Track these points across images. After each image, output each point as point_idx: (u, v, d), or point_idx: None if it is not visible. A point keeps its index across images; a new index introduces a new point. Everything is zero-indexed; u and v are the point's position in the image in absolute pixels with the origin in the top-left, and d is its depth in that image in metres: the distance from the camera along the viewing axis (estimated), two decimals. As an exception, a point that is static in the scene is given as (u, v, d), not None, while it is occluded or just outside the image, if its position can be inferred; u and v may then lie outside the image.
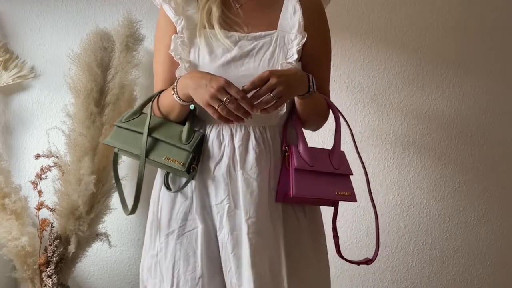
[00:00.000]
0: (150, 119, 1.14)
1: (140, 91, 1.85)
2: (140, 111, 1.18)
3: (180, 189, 1.14)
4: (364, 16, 1.90)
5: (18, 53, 1.89)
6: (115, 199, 1.79)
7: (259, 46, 1.14)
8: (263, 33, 1.15)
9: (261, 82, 1.03)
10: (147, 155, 1.12)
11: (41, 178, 1.71)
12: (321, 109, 1.20)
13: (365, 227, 1.98)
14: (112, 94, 1.68)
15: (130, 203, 2.03)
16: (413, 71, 1.92)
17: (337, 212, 1.24)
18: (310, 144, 1.17)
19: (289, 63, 1.12)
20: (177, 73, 1.14)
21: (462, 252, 2.01)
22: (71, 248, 1.65)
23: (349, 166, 1.22)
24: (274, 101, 1.03)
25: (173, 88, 1.10)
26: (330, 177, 1.16)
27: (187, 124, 1.14)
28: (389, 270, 2.01)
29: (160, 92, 1.17)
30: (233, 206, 1.11)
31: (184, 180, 1.15)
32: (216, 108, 1.02)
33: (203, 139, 1.14)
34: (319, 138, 1.91)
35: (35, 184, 1.71)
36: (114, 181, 1.74)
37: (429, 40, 1.91)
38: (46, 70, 1.91)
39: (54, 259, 1.66)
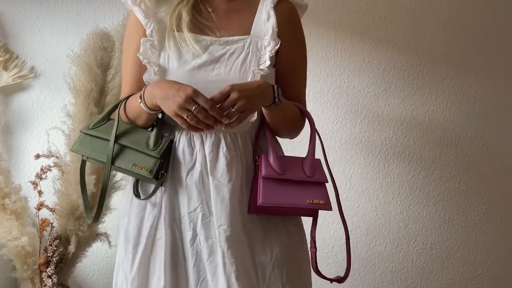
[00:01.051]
0: (117, 126, 1.11)
1: (140, 91, 1.85)
2: (107, 117, 1.15)
3: (149, 196, 1.11)
4: (364, 16, 1.90)
5: (18, 53, 1.89)
6: (115, 199, 1.79)
7: (231, 51, 1.11)
8: (235, 37, 1.12)
9: (222, 97, 1.01)
10: (113, 162, 1.10)
11: (41, 178, 1.71)
12: (291, 118, 1.16)
13: (365, 227, 1.98)
14: (112, 94, 1.68)
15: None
16: (413, 71, 1.92)
17: (316, 223, 1.19)
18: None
19: (261, 69, 1.10)
20: (145, 78, 1.11)
21: (462, 252, 2.01)
22: (71, 248, 1.65)
23: (325, 174, 1.16)
24: (237, 116, 1.01)
25: (140, 97, 1.07)
26: (303, 186, 1.12)
27: (155, 130, 1.11)
28: (389, 270, 2.01)
29: (127, 98, 1.14)
30: (208, 214, 1.09)
31: (153, 187, 1.12)
32: (185, 118, 1.00)
33: (172, 145, 1.12)
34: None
35: (35, 184, 1.71)
36: (113, 181, 1.76)
37: (429, 40, 1.91)
38: (46, 70, 1.91)
39: (54, 259, 1.66)
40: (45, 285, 1.65)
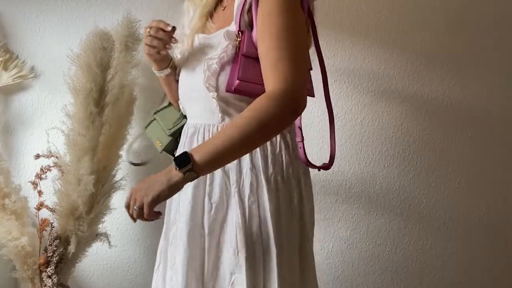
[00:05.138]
0: (165, 105, 1.42)
1: (140, 91, 1.85)
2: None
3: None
4: (364, 16, 1.90)
5: (18, 53, 1.89)
6: (115, 199, 1.79)
7: (208, 44, 1.18)
8: (219, 31, 1.17)
9: (127, 201, 1.08)
10: (148, 132, 1.46)
11: (41, 178, 1.71)
12: (240, 140, 1.00)
13: (365, 227, 1.98)
14: (112, 94, 1.68)
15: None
16: (413, 71, 1.92)
17: None
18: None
19: (209, 58, 1.13)
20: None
21: (462, 252, 2.01)
22: (71, 248, 1.65)
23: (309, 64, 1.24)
24: (137, 211, 1.05)
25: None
26: None
27: (180, 112, 1.37)
28: (389, 270, 2.01)
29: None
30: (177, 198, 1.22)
31: None
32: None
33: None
34: (319, 138, 1.91)
35: (35, 184, 1.71)
36: (113, 181, 1.76)
37: (429, 40, 1.91)
38: (46, 70, 1.91)
39: (54, 259, 1.66)
40: (45, 285, 1.65)
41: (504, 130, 1.96)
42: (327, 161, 1.27)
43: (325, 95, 1.29)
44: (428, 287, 2.03)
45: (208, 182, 1.16)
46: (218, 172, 1.14)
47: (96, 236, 1.75)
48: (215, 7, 1.25)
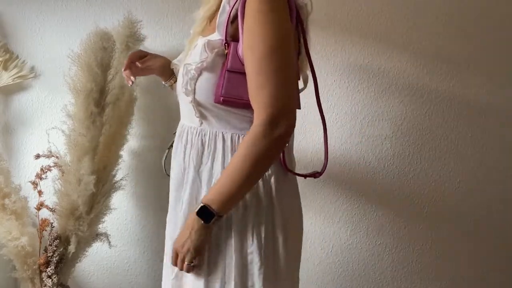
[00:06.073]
0: None
1: (140, 91, 1.85)
2: None
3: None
4: (364, 16, 1.90)
5: (18, 53, 1.89)
6: (115, 199, 1.79)
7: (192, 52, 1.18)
8: (201, 39, 1.16)
9: (175, 259, 1.14)
10: None
11: (41, 178, 1.71)
12: (243, 176, 1.04)
13: (365, 227, 1.98)
14: (112, 94, 1.68)
15: (128, 204, 2.04)
16: (413, 71, 1.92)
17: None
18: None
19: (189, 64, 1.13)
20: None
21: (462, 252, 2.01)
22: (71, 248, 1.65)
23: None
24: (192, 264, 1.11)
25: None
26: None
27: None
28: (389, 270, 2.01)
29: None
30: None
31: None
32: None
33: None
34: (319, 137, 1.91)
35: (35, 184, 1.71)
36: (113, 181, 1.76)
37: (429, 40, 1.91)
38: (46, 70, 1.91)
39: (54, 259, 1.66)
40: (45, 285, 1.65)
41: (504, 130, 1.96)
42: (321, 165, 1.28)
43: (318, 105, 1.29)
44: (428, 287, 2.03)
45: (185, 180, 1.20)
46: (191, 172, 1.17)
47: (96, 236, 1.75)
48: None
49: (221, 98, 1.09)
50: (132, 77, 1.30)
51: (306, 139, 1.91)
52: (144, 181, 1.96)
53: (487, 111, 1.95)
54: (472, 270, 2.02)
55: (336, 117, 1.92)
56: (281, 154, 1.16)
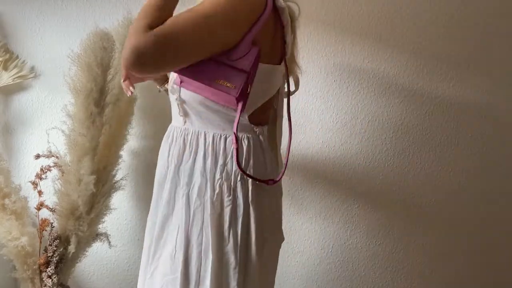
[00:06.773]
0: None
1: (140, 91, 1.85)
2: None
3: None
4: (364, 16, 1.90)
5: (18, 53, 1.89)
6: (115, 199, 1.79)
7: None
8: None
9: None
10: None
11: (41, 178, 1.71)
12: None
13: (365, 227, 1.98)
14: (112, 94, 1.68)
15: (128, 204, 2.04)
16: (413, 71, 1.92)
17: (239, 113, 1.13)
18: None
19: None
20: None
21: (462, 252, 2.01)
22: (71, 248, 1.65)
23: (252, 66, 1.09)
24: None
25: None
26: (225, 67, 1.07)
27: None
28: (389, 270, 2.01)
29: None
30: None
31: None
32: None
33: None
34: (319, 137, 1.91)
35: (35, 184, 1.71)
36: (113, 181, 1.76)
37: (429, 40, 1.91)
38: (46, 70, 1.91)
39: (54, 259, 1.66)
40: (45, 285, 1.65)
41: (504, 130, 1.96)
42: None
43: (287, 107, 1.32)
44: (428, 287, 2.03)
45: (167, 179, 1.21)
46: (171, 171, 1.19)
47: (96, 236, 1.75)
48: None
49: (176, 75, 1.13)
50: (131, 88, 1.29)
51: (306, 139, 1.90)
52: (144, 181, 1.96)
53: (487, 111, 1.95)
54: (472, 270, 2.02)
55: (336, 117, 1.92)
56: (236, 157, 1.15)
